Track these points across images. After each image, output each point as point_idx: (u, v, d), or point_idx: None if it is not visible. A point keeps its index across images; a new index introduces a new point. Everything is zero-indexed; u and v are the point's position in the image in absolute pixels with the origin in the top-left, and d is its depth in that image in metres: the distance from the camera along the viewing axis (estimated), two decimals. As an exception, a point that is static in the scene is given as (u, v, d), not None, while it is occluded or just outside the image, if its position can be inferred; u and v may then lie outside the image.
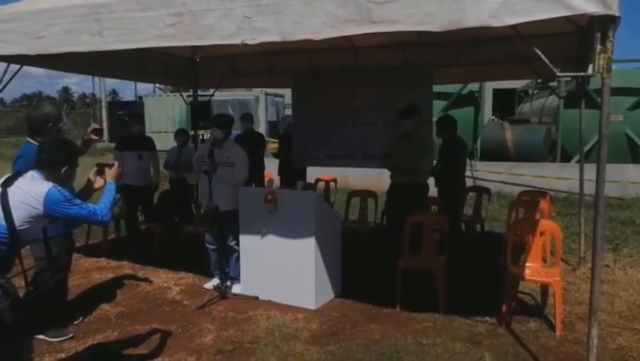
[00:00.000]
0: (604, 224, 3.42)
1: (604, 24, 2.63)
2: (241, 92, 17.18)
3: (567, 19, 3.41)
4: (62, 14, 4.00)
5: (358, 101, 6.41)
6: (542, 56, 2.81)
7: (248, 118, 7.50)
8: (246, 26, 3.39)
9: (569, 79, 9.15)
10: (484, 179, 10.11)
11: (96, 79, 24.11)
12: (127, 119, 6.99)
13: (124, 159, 6.22)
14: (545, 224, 4.29)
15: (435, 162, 5.83)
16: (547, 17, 2.68)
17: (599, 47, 2.64)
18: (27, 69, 4.96)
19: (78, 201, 2.58)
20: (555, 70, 2.78)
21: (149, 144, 6.55)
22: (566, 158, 10.85)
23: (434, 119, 6.18)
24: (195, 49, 6.86)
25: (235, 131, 6.18)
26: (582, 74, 2.71)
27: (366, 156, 6.35)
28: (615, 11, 2.57)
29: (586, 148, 10.51)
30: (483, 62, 6.01)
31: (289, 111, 8.88)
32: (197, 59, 7.31)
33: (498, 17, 2.79)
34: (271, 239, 4.55)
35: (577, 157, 10.05)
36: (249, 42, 3.40)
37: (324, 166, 7.03)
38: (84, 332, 3.94)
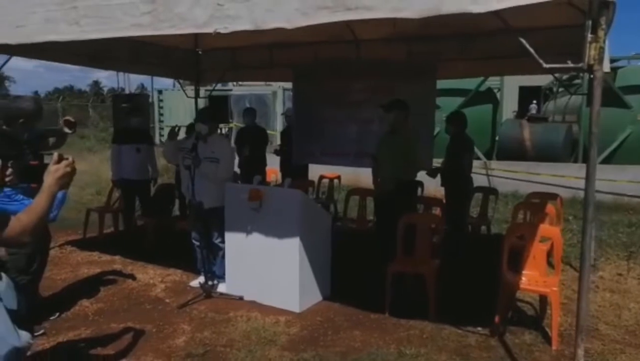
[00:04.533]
0: (593, 232, 3.13)
1: (596, 10, 2.35)
2: (259, 87, 17.06)
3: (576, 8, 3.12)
4: (41, 1, 3.89)
5: (356, 96, 6.09)
6: (528, 46, 2.55)
7: (250, 113, 7.33)
8: (219, 14, 3.21)
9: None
10: (501, 177, 9.76)
11: (121, 73, 24.18)
12: (126, 112, 6.89)
13: (121, 152, 6.17)
14: (544, 228, 3.98)
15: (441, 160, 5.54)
16: (532, 2, 2.42)
17: (589, 36, 2.37)
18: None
19: (20, 197, 2.46)
20: (541, 61, 2.51)
21: (147, 137, 6.48)
22: (589, 158, 10.33)
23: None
24: (197, 41, 6.74)
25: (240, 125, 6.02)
26: (571, 65, 2.43)
27: (359, 154, 6.01)
28: (608, -5, 2.30)
29: (612, 147, 10.03)
30: (491, 55, 5.66)
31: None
32: (200, 52, 7.18)
33: (480, 3, 2.54)
34: (256, 238, 4.38)
35: (601, 157, 9.57)
36: (222, 31, 3.23)
37: (320, 163, 6.74)
38: (57, 329, 3.84)
